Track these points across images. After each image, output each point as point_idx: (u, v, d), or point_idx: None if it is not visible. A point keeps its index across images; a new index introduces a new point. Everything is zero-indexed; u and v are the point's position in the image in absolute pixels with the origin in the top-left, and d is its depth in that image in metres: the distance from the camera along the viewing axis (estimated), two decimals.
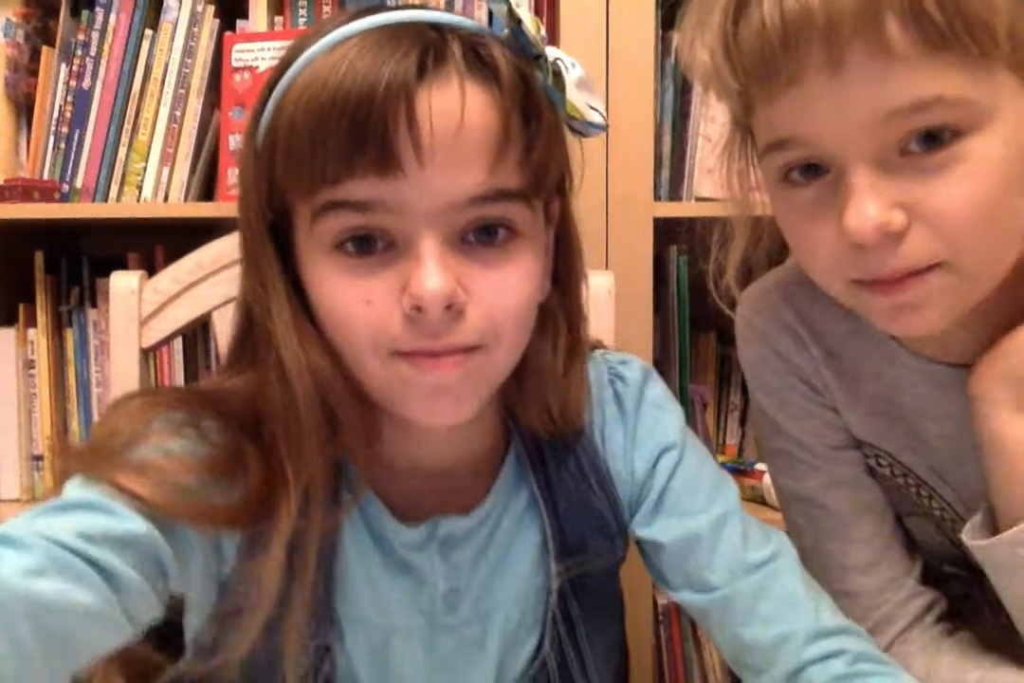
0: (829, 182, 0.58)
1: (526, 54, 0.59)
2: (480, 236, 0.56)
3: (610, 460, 0.71)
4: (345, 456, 0.62)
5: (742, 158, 0.69)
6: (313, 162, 0.53)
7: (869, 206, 0.54)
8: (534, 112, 0.57)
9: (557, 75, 0.59)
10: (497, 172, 0.55)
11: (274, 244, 0.59)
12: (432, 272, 0.53)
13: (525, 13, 0.58)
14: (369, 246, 0.55)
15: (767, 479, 1.22)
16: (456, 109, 0.53)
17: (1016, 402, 0.63)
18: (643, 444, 0.71)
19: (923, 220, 0.55)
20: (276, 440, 0.58)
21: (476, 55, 0.56)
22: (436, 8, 0.59)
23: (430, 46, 0.54)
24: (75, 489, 0.55)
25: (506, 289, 0.57)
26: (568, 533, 0.68)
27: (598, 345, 0.77)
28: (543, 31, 0.59)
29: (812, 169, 0.58)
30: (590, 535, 0.69)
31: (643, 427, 0.72)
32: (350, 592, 0.65)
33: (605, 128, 0.63)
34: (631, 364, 0.74)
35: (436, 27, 0.56)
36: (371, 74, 0.52)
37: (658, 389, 0.74)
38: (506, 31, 0.59)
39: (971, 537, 0.65)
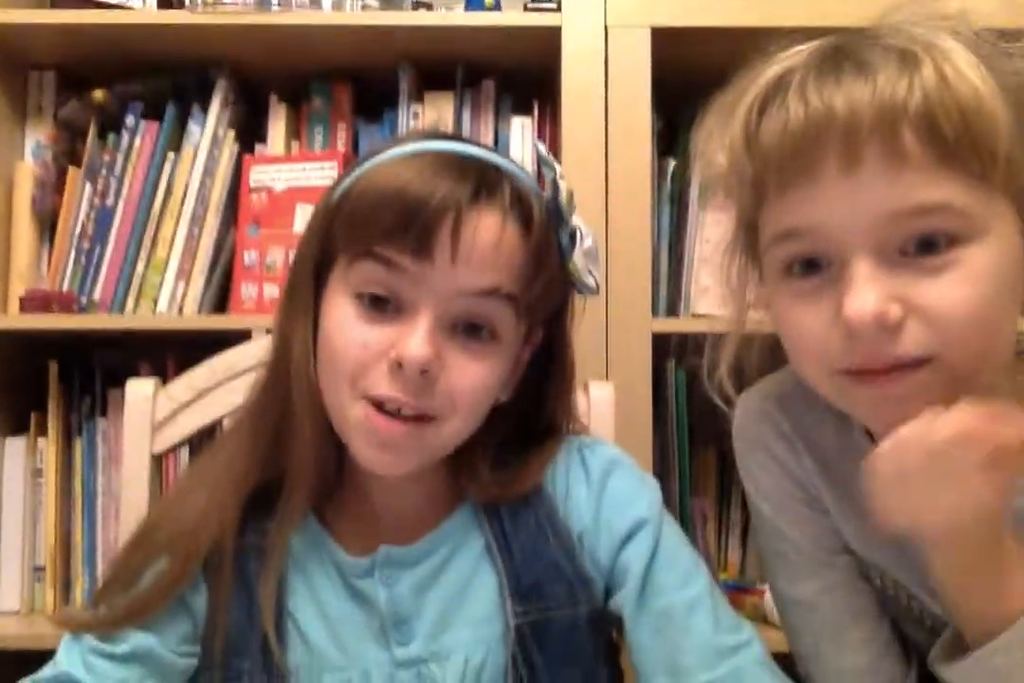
0: (829, 277, 0.60)
1: (556, 215, 0.70)
2: (467, 331, 0.67)
3: (572, 517, 0.74)
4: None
5: (743, 256, 0.72)
6: (366, 229, 0.65)
7: (869, 295, 0.57)
8: (546, 255, 0.69)
9: (572, 239, 0.71)
10: (505, 280, 0.66)
11: (313, 282, 0.70)
12: (420, 339, 0.64)
13: (563, 184, 0.70)
14: (382, 306, 0.66)
15: (769, 596, 1.21)
16: (495, 231, 0.65)
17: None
18: (617, 508, 0.74)
19: (918, 315, 0.57)
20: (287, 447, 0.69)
21: (520, 201, 0.68)
22: (501, 154, 0.72)
23: (487, 182, 0.66)
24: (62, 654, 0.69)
25: (473, 373, 0.67)
26: (524, 577, 0.71)
27: (584, 431, 0.82)
28: (575, 202, 0.71)
29: (813, 264, 0.61)
30: (546, 581, 0.71)
31: (616, 491, 0.74)
32: (300, 610, 0.71)
33: (595, 292, 0.74)
34: (604, 443, 0.80)
35: (497, 168, 0.69)
36: (435, 184, 0.64)
37: (635, 467, 0.78)
38: (547, 192, 0.71)
39: (939, 661, 0.63)
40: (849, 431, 0.74)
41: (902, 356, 0.58)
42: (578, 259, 0.71)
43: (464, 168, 0.66)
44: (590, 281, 0.72)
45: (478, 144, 0.71)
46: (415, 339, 0.63)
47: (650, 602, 0.70)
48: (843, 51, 0.61)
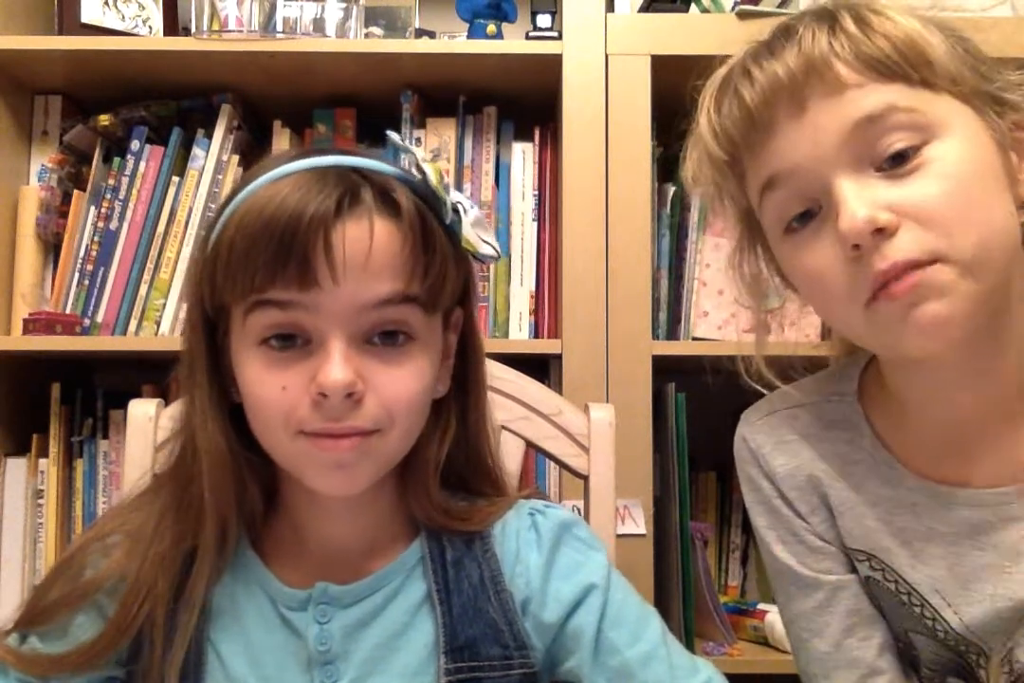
0: (823, 218, 0.65)
1: (432, 197, 0.68)
2: (383, 339, 0.66)
3: (519, 582, 0.73)
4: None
5: (751, 253, 0.75)
6: (246, 272, 0.63)
7: (857, 208, 0.61)
8: (430, 241, 0.67)
9: (457, 214, 0.69)
10: (397, 284, 0.65)
11: (209, 340, 0.69)
12: (337, 365, 0.63)
13: (428, 167, 0.68)
14: (290, 342, 0.65)
15: (769, 618, 1.21)
16: (365, 238, 0.63)
17: None
18: (567, 577, 0.73)
19: (909, 217, 0.61)
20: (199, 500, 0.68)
21: (385, 196, 0.66)
22: (361, 153, 0.70)
23: (348, 189, 0.64)
24: None
25: (399, 382, 0.66)
26: (460, 634, 0.70)
27: (534, 494, 0.80)
28: (446, 179, 0.69)
29: (807, 216, 0.66)
30: (482, 641, 0.70)
31: (567, 559, 0.74)
32: (222, 638, 0.70)
33: (496, 259, 0.73)
34: (557, 507, 0.78)
35: (357, 170, 0.66)
36: (298, 208, 0.62)
37: (586, 530, 0.77)
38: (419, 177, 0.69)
39: None
40: (859, 439, 0.75)
41: (908, 254, 0.61)
42: (468, 232, 0.69)
43: (323, 182, 0.64)
44: (487, 250, 0.71)
45: (339, 151, 0.69)
46: (330, 366, 0.62)
47: (605, 662, 0.70)
48: (771, 34, 0.68)
